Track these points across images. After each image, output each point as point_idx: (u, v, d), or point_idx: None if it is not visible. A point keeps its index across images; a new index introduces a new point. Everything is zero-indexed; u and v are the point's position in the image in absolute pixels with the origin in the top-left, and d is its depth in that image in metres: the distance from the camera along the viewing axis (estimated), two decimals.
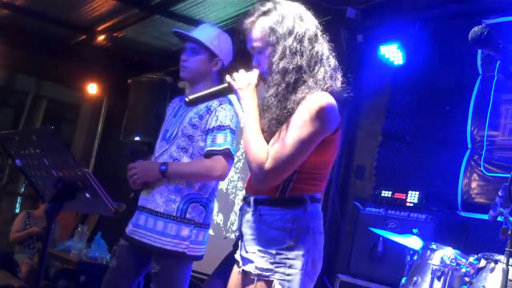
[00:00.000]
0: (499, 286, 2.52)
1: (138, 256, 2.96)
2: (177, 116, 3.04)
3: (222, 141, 2.87)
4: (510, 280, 2.56)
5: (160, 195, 2.90)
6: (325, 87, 2.01)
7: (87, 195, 2.19)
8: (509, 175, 2.51)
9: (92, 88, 8.02)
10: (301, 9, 2.14)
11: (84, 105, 8.59)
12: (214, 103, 2.92)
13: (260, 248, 2.02)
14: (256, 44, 2.12)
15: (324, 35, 2.14)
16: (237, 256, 2.17)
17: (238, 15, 5.94)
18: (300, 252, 1.99)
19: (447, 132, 4.63)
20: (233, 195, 6.44)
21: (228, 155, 2.87)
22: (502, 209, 2.65)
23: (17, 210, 7.99)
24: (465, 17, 4.57)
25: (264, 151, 1.98)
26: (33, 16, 6.77)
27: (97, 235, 5.51)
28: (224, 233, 6.28)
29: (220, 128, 2.88)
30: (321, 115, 1.95)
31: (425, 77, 4.81)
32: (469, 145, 4.45)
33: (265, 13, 2.12)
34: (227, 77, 2.17)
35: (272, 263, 1.98)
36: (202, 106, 2.92)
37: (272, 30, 2.07)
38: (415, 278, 3.11)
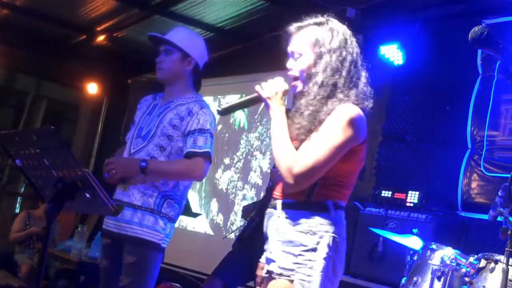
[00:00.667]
0: (499, 286, 2.52)
1: (121, 250, 3.02)
2: (153, 115, 3.11)
3: (202, 143, 2.98)
4: (510, 280, 2.57)
5: (137, 190, 2.99)
6: (355, 103, 2.13)
7: (87, 195, 2.19)
8: (509, 175, 2.51)
9: (92, 88, 8.02)
10: (348, 33, 2.24)
11: (84, 105, 8.58)
12: (195, 106, 3.04)
13: (283, 249, 2.10)
14: (298, 48, 2.20)
15: (364, 63, 2.26)
16: (262, 260, 2.26)
17: (238, 15, 5.95)
18: (322, 255, 2.06)
19: (447, 132, 4.63)
20: (233, 195, 6.44)
21: (207, 157, 3.00)
22: (502, 209, 2.65)
23: (17, 210, 7.98)
24: (465, 17, 4.57)
25: (293, 156, 2.07)
26: (33, 16, 6.77)
27: (97, 235, 5.51)
28: (224, 233, 6.28)
29: (201, 131, 2.99)
30: (351, 124, 2.07)
31: (425, 77, 4.81)
32: (469, 145, 4.45)
33: (317, 24, 2.22)
34: (257, 87, 2.24)
35: (294, 263, 2.07)
36: (182, 108, 3.04)
37: (320, 42, 2.16)
38: (415, 278, 3.11)
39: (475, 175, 4.38)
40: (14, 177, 7.93)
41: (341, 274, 2.17)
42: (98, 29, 6.90)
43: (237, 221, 6.13)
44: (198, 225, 6.62)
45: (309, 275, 2.05)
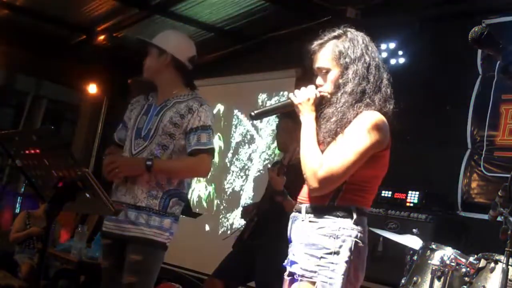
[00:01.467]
0: (499, 286, 2.52)
1: (121, 250, 3.02)
2: (150, 114, 3.12)
3: (206, 140, 3.00)
4: (510, 280, 2.56)
5: (141, 190, 2.98)
6: (379, 108, 2.21)
7: (87, 195, 2.19)
8: (509, 175, 2.51)
9: (92, 88, 8.02)
10: (367, 39, 2.33)
11: (84, 105, 8.58)
12: (195, 103, 3.06)
13: (306, 251, 2.16)
14: (324, 64, 2.26)
15: (385, 65, 2.33)
16: (286, 263, 2.29)
17: (238, 15, 5.95)
18: (344, 259, 2.12)
19: (447, 132, 4.62)
20: (234, 195, 6.44)
21: (212, 153, 3.04)
22: (502, 209, 2.65)
23: (17, 210, 7.98)
24: (465, 17, 4.57)
25: (319, 160, 2.14)
26: (33, 16, 6.77)
27: (97, 235, 5.51)
28: (224, 233, 6.28)
29: (204, 128, 3.02)
30: (375, 129, 2.15)
31: (425, 77, 4.81)
32: (469, 145, 4.45)
33: (336, 37, 2.28)
34: (290, 95, 2.30)
35: (316, 266, 2.12)
36: (182, 105, 3.06)
37: (343, 54, 2.23)
38: (415, 278, 3.10)
39: (475, 175, 4.38)
40: (14, 177, 7.93)
41: (362, 278, 2.24)
42: (98, 29, 6.89)
43: (237, 221, 6.13)
44: (199, 225, 6.62)
45: (331, 278, 2.11)
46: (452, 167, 4.48)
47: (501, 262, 2.69)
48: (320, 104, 2.26)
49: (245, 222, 4.01)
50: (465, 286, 2.85)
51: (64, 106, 8.77)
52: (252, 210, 3.96)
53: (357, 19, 5.08)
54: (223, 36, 6.49)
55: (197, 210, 6.65)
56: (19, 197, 8.22)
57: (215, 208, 6.65)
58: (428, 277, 3.02)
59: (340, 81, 2.21)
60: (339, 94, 2.20)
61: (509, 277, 2.51)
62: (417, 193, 4.33)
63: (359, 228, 2.18)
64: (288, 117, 3.63)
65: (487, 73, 4.42)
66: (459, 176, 4.43)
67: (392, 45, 4.88)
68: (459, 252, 3.03)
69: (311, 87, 2.28)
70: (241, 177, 6.40)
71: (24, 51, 7.43)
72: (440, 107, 4.66)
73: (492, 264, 2.77)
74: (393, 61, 4.90)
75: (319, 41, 2.30)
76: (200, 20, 6.20)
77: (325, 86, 2.26)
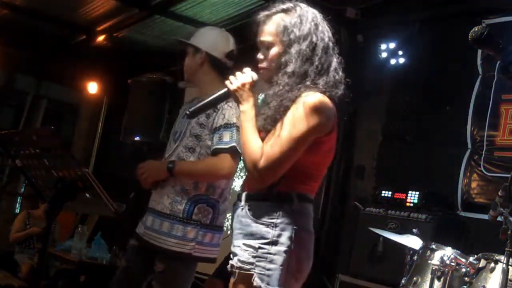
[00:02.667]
0: (499, 286, 2.52)
1: (147, 256, 2.95)
2: (185, 117, 3.01)
3: (228, 139, 2.84)
4: (510, 280, 2.56)
5: (166, 196, 2.89)
6: (323, 91, 2.01)
7: (87, 195, 2.19)
8: (509, 175, 2.51)
9: (92, 88, 8.02)
10: (318, 17, 2.14)
11: (84, 105, 8.58)
12: None
13: (244, 242, 2.02)
14: (267, 38, 2.12)
15: (336, 48, 2.13)
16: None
17: (238, 15, 5.94)
18: (282, 248, 1.98)
19: (447, 132, 4.63)
20: (233, 195, 6.43)
21: (235, 153, 2.84)
22: (502, 209, 2.65)
23: (17, 210, 7.98)
24: (465, 17, 4.57)
25: (258, 150, 2.00)
26: (33, 16, 6.77)
27: (97, 235, 5.51)
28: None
29: (227, 126, 2.85)
30: (314, 113, 1.96)
31: (425, 77, 4.82)
32: (469, 145, 4.45)
33: (284, 11, 2.12)
34: (226, 82, 2.16)
35: (254, 257, 1.99)
36: None
37: (288, 30, 2.07)
38: (415, 278, 3.10)
39: (475, 175, 4.38)
40: (14, 177, 7.92)
41: (308, 268, 2.08)
42: (98, 29, 6.90)
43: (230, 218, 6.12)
44: None
45: (268, 269, 1.97)
46: (452, 167, 4.48)
47: (501, 262, 2.69)
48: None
49: None
50: (465, 286, 2.85)
51: (64, 106, 8.76)
52: None
53: (357, 19, 5.08)
54: None
55: None
56: (19, 197, 8.22)
57: None
58: (428, 277, 3.02)
59: (282, 59, 2.05)
60: (280, 74, 2.04)
61: (509, 277, 2.51)
62: (417, 193, 4.33)
63: (301, 215, 2.03)
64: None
65: (487, 73, 4.42)
66: (459, 176, 4.43)
67: (392, 45, 4.88)
68: (459, 252, 3.03)
69: (247, 70, 2.13)
70: (241, 177, 6.40)
71: (24, 51, 7.43)
72: (440, 107, 4.67)
73: (492, 264, 2.77)
74: (393, 61, 4.90)
75: (266, 12, 2.13)
76: (200, 20, 6.20)
77: (265, 63, 2.12)
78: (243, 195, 2.11)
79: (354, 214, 4.78)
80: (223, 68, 3.01)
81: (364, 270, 4.34)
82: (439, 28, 4.81)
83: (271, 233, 1.99)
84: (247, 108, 2.09)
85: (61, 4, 6.37)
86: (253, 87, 2.11)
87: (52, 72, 7.72)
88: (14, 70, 8.03)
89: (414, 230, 3.45)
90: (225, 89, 2.16)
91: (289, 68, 2.03)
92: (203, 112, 2.48)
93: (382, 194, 4.53)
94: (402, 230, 3.95)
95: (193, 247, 2.84)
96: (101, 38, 7.06)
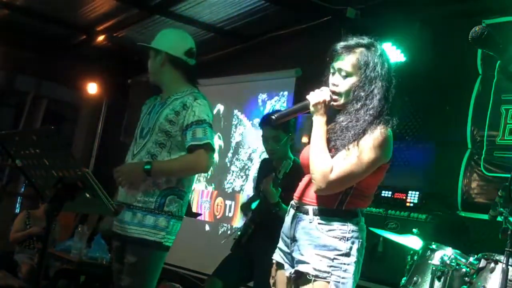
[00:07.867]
0: (499, 286, 2.52)
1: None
2: (152, 113, 3.13)
3: (202, 135, 2.97)
4: (510, 280, 2.56)
5: (137, 190, 2.99)
6: (389, 124, 2.28)
7: (87, 195, 2.19)
8: (509, 175, 2.51)
9: (92, 88, 8.01)
10: (390, 57, 2.38)
11: (84, 105, 8.58)
12: (189, 98, 3.03)
13: (317, 252, 2.25)
14: (347, 68, 2.29)
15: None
16: (276, 257, 2.44)
17: (238, 15, 5.95)
18: (353, 259, 2.27)
19: (447, 132, 4.62)
20: (234, 194, 6.44)
21: (209, 148, 2.99)
22: (502, 209, 2.65)
23: (17, 210, 7.98)
24: (465, 17, 4.57)
25: (329, 163, 2.23)
26: (33, 16, 6.77)
27: (97, 235, 5.51)
28: (224, 233, 6.28)
29: (198, 122, 2.98)
30: (385, 145, 2.25)
31: (425, 77, 4.81)
32: (469, 145, 4.45)
33: (366, 46, 2.33)
34: (308, 96, 2.34)
35: (329, 266, 2.23)
36: (177, 102, 3.04)
37: (370, 67, 2.27)
38: (415, 278, 3.11)
39: (475, 175, 4.37)
40: (14, 177, 7.92)
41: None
42: (98, 29, 6.90)
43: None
44: (199, 225, 6.62)
45: (343, 278, 2.23)
46: (452, 167, 4.48)
47: (501, 262, 2.69)
48: (330, 107, 2.32)
49: (243, 223, 4.02)
50: (465, 286, 2.85)
51: (64, 106, 8.76)
52: (248, 206, 3.99)
53: (357, 19, 5.08)
54: (223, 36, 6.49)
55: (198, 210, 6.67)
56: (19, 197, 8.22)
57: None
58: (428, 277, 3.02)
59: (362, 93, 2.25)
60: (358, 105, 2.25)
61: (509, 277, 2.51)
62: (417, 193, 4.33)
63: (362, 229, 2.32)
64: (268, 124, 3.64)
65: (487, 73, 4.42)
66: (459, 176, 4.43)
67: (391, 45, 4.88)
68: (459, 252, 3.03)
69: (325, 90, 2.32)
70: (241, 177, 6.40)
71: (24, 51, 7.43)
72: (440, 107, 4.66)
73: (492, 264, 2.77)
74: (393, 61, 4.89)
75: (346, 43, 2.33)
76: (200, 20, 6.20)
77: (340, 88, 2.29)
78: (310, 208, 2.30)
79: None
80: (185, 66, 3.13)
81: (364, 270, 4.31)
82: (439, 28, 4.80)
83: (344, 245, 2.25)
84: (321, 123, 2.31)
85: (61, 4, 6.37)
86: (328, 107, 2.32)
87: (52, 72, 7.72)
88: (14, 70, 8.04)
89: (414, 230, 3.45)
90: (306, 101, 2.33)
91: (370, 103, 2.25)
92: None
93: (382, 194, 4.52)
94: (402, 230, 3.95)
95: (164, 236, 2.97)
96: (101, 38, 7.06)
